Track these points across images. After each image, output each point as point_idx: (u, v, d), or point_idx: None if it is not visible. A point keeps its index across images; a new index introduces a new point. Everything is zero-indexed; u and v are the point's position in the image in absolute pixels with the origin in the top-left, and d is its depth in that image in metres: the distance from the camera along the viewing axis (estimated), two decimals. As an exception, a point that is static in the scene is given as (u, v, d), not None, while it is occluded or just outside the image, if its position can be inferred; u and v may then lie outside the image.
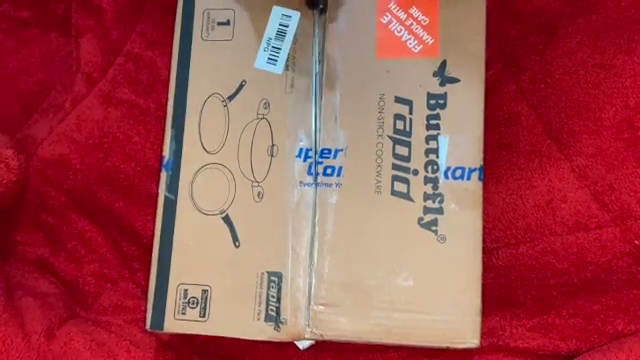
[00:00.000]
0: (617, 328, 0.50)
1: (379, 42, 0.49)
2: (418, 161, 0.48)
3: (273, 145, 0.49)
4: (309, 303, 0.47)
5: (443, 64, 0.48)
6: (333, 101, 0.49)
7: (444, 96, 0.48)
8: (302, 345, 0.48)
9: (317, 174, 0.48)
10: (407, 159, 0.48)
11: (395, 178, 0.48)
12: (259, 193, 0.49)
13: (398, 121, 0.48)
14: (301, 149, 0.49)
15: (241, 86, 0.50)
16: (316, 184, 0.48)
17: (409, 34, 0.49)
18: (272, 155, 0.49)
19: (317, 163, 0.48)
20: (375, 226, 0.47)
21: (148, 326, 0.48)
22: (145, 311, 0.49)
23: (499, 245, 0.52)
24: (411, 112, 0.48)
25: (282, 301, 0.47)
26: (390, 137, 0.48)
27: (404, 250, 0.47)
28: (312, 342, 0.48)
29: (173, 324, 0.48)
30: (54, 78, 0.60)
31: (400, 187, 0.47)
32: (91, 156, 0.57)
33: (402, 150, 0.48)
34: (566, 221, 0.50)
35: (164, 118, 0.55)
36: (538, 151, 0.52)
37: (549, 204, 0.50)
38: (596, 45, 0.51)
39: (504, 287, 0.52)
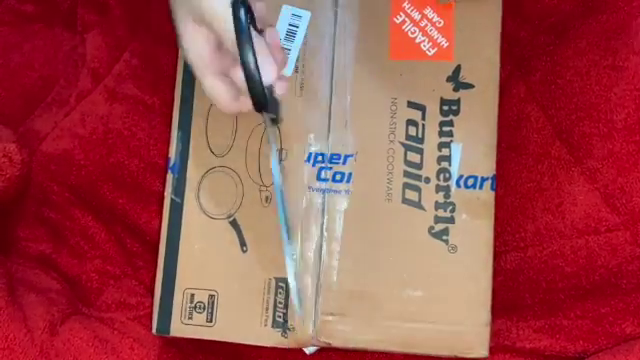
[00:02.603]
0: (625, 331, 0.49)
1: (393, 43, 0.48)
2: (430, 169, 0.47)
3: (282, 149, 0.48)
4: (317, 311, 0.47)
5: (457, 69, 0.48)
6: (344, 104, 0.48)
7: (458, 102, 0.47)
8: (308, 350, 0.48)
9: (327, 179, 0.48)
10: (419, 166, 0.47)
11: (406, 186, 0.47)
12: (267, 197, 0.48)
13: (410, 127, 0.47)
14: (310, 154, 0.48)
15: None
16: (324, 190, 0.47)
17: (423, 36, 0.48)
18: (281, 159, 0.48)
19: (327, 169, 0.48)
20: (385, 235, 0.47)
21: (154, 330, 0.48)
22: (151, 313, 0.49)
23: (508, 248, 0.52)
24: (424, 118, 0.47)
25: (290, 308, 0.47)
26: (402, 143, 0.47)
27: (414, 260, 0.46)
28: (318, 347, 0.48)
29: (180, 329, 0.48)
30: (58, 73, 0.60)
31: (411, 195, 0.47)
32: (95, 152, 0.56)
33: (414, 157, 0.47)
34: (576, 224, 0.50)
35: (169, 115, 0.54)
36: (548, 153, 0.51)
37: (559, 207, 0.50)
38: (607, 46, 0.51)
39: (512, 290, 0.52)
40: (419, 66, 0.48)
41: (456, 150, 0.47)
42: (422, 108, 0.47)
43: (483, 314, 0.46)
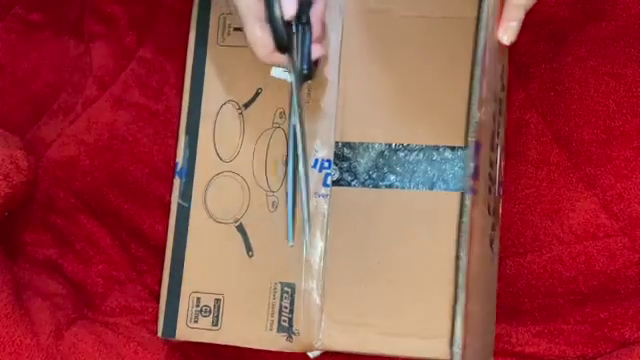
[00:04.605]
0: (624, 335, 0.50)
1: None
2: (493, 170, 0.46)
3: (288, 155, 0.49)
4: (321, 315, 0.47)
5: (503, 66, 0.47)
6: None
7: (502, 102, 0.46)
8: (312, 354, 0.48)
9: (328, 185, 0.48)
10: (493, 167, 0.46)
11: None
12: (274, 203, 0.48)
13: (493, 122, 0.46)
14: (317, 160, 0.48)
15: (257, 94, 0.49)
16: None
17: None
18: (287, 165, 0.49)
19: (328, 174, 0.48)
20: None
21: (160, 333, 0.48)
22: (156, 317, 0.49)
23: (507, 254, 0.52)
24: (500, 113, 0.46)
25: (295, 312, 0.47)
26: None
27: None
28: (322, 352, 0.48)
29: (185, 332, 0.48)
30: (64, 80, 0.61)
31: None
32: (100, 158, 0.57)
33: (491, 155, 0.46)
34: (574, 230, 0.50)
35: (173, 121, 0.55)
36: (547, 160, 0.52)
37: (557, 213, 0.50)
38: (606, 53, 0.51)
39: (511, 295, 0.52)
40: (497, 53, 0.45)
41: (499, 154, 0.46)
42: (499, 102, 0.45)
43: None
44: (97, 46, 0.59)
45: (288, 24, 0.42)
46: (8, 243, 0.58)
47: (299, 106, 0.44)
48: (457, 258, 0.43)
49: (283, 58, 0.44)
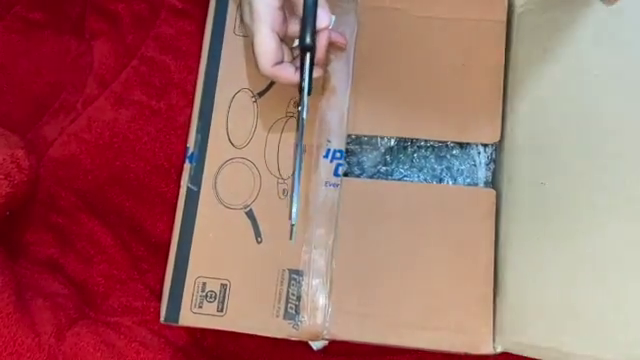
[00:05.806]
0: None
1: None
2: None
3: (297, 143, 0.49)
4: (328, 303, 0.47)
5: None
6: None
7: None
8: (316, 346, 0.48)
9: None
10: None
11: None
12: (284, 190, 0.48)
13: None
14: (329, 150, 0.49)
15: (272, 83, 0.50)
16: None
17: None
18: (296, 152, 0.49)
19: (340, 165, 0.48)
20: None
21: (162, 318, 0.48)
22: (158, 315, 0.49)
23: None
24: None
25: (302, 299, 0.47)
26: None
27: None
28: (325, 343, 0.48)
29: (189, 317, 0.48)
30: (65, 79, 0.61)
31: None
32: (101, 156, 0.57)
33: None
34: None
35: (175, 119, 0.55)
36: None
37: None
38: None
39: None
40: None
41: None
42: None
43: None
44: (98, 44, 0.60)
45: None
46: (9, 243, 0.58)
47: (307, 103, 0.46)
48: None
49: (281, 74, 0.45)
